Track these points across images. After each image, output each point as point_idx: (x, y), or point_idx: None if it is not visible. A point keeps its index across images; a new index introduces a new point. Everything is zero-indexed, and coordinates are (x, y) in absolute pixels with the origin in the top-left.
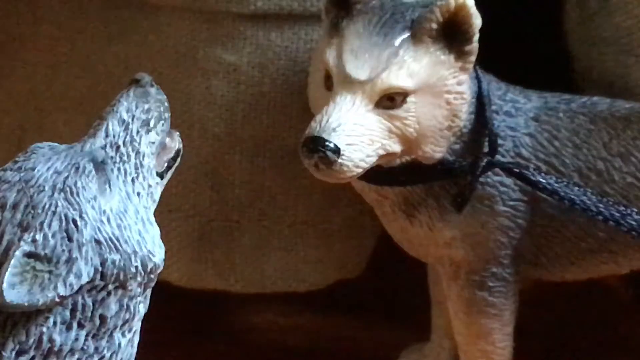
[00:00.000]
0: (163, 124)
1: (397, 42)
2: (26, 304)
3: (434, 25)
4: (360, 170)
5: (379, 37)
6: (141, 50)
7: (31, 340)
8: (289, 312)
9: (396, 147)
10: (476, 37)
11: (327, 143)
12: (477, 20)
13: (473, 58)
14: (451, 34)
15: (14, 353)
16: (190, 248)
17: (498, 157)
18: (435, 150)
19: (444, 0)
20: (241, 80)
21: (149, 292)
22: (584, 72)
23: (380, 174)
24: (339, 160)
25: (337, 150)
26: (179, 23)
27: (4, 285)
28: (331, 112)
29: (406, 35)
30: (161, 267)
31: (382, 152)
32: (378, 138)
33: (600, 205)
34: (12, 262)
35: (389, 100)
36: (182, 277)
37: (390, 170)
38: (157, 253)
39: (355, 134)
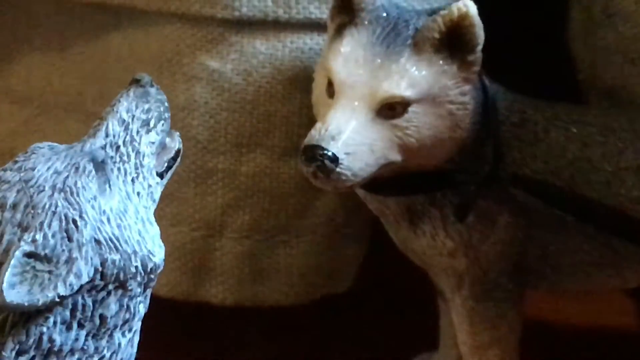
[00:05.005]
0: (163, 124)
1: (400, 51)
2: (26, 304)
3: (437, 35)
4: (359, 179)
5: (382, 47)
6: (127, 54)
7: (31, 340)
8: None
9: (397, 157)
10: (479, 47)
11: (325, 152)
12: (480, 30)
13: (477, 68)
14: (454, 44)
15: (14, 353)
16: (172, 257)
17: (503, 168)
18: (437, 160)
19: (447, 9)
20: (225, 87)
21: (149, 292)
22: (588, 80)
23: (381, 183)
24: (337, 170)
25: (335, 159)
26: (164, 28)
27: (4, 285)
28: (331, 120)
29: (409, 44)
30: (161, 267)
31: (382, 161)
32: (378, 147)
33: (607, 217)
34: (12, 262)
35: (390, 110)
36: (162, 288)
37: (391, 179)
38: (157, 253)
39: (355, 142)
